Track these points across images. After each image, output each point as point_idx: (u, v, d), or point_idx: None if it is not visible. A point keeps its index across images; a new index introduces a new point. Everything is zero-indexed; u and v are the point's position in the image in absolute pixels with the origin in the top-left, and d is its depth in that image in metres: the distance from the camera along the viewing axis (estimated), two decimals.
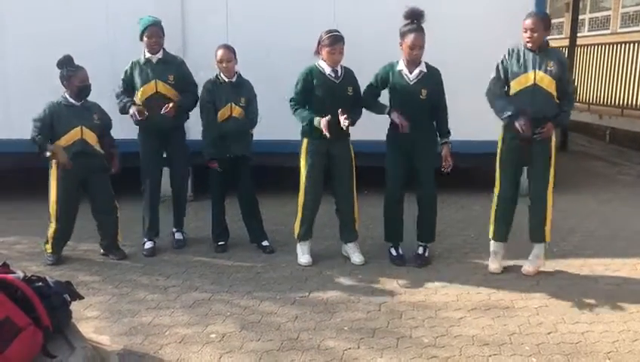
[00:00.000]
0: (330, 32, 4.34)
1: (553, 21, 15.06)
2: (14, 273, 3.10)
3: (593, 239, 5.12)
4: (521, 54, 4.19)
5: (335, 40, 4.31)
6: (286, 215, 4.90)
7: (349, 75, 4.47)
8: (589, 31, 13.41)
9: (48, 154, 4.33)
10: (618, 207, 6.16)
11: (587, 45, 11.11)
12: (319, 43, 4.36)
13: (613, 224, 5.59)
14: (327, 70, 4.38)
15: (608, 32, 12.58)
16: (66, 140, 4.38)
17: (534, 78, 4.12)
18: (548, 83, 4.12)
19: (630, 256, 4.71)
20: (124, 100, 4.71)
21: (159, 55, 4.74)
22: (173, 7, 6.02)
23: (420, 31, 4.26)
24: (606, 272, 4.42)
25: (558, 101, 4.19)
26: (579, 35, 10.83)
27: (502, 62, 4.24)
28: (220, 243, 4.87)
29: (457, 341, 3.41)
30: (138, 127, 4.80)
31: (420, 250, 4.63)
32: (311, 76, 4.38)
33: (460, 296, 4.00)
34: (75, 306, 3.26)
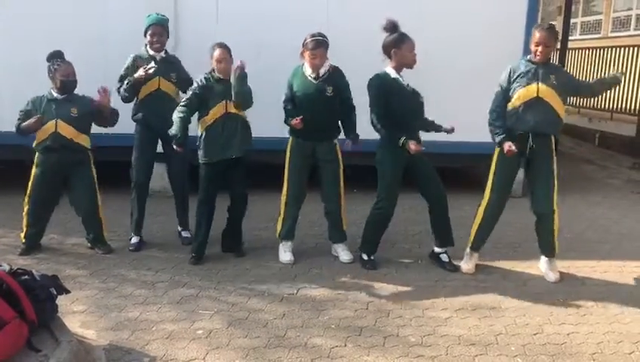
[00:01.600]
0: (313, 35, 4.35)
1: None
2: (0, 266, 3.08)
3: (580, 241, 5.16)
4: (522, 68, 4.17)
5: (317, 44, 4.31)
6: (275, 212, 4.86)
7: (333, 76, 4.44)
8: (580, 34, 13.49)
9: (34, 143, 4.42)
10: (606, 210, 6.20)
11: (578, 49, 11.18)
12: (303, 45, 4.37)
13: (600, 227, 5.63)
14: (308, 71, 4.39)
15: (599, 35, 12.67)
16: (41, 134, 4.39)
17: (537, 91, 4.10)
18: (551, 97, 4.10)
19: (616, 258, 4.75)
20: (126, 82, 4.63)
21: (162, 54, 4.76)
22: (166, 5, 5.98)
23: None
24: (592, 274, 4.46)
25: (561, 117, 4.19)
26: (570, 38, 10.89)
27: (503, 80, 4.23)
28: (198, 253, 4.55)
29: (444, 340, 3.42)
30: (136, 122, 4.78)
31: (445, 257, 4.53)
32: (293, 76, 4.44)
33: (447, 296, 4.02)
34: (61, 300, 3.23)
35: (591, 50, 10.68)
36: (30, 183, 4.51)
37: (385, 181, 4.34)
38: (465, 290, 4.12)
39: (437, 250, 4.57)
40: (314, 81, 4.39)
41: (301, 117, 4.29)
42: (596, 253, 4.89)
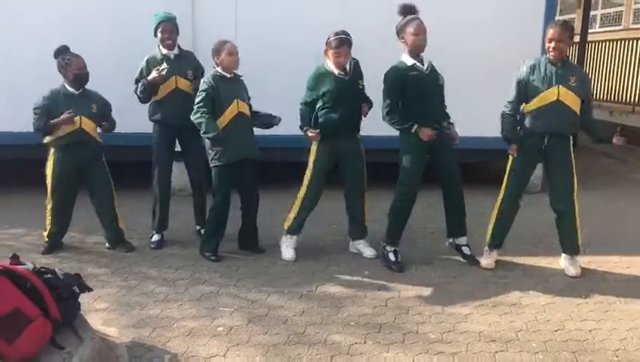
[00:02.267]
0: (337, 33, 4.32)
1: (564, 17, 14.99)
2: (24, 264, 3.13)
3: (601, 236, 5.09)
4: (542, 68, 4.11)
5: (341, 42, 4.30)
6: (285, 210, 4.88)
7: (357, 69, 4.46)
8: (600, 27, 13.30)
9: (47, 139, 4.43)
10: (627, 204, 6.12)
11: (598, 42, 11.02)
12: (327, 44, 4.35)
13: (622, 221, 5.56)
14: (336, 70, 4.38)
15: (620, 28, 12.47)
16: (64, 129, 4.38)
17: (558, 94, 4.05)
18: (571, 100, 4.06)
19: (639, 253, 4.68)
20: (141, 84, 4.65)
21: (175, 51, 4.76)
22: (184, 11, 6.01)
23: (420, 19, 4.21)
24: (614, 270, 4.40)
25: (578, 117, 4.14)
26: (590, 31, 10.74)
27: (522, 79, 4.17)
28: (217, 253, 4.57)
29: (464, 337, 3.40)
30: (154, 122, 4.80)
31: (467, 250, 4.53)
32: (317, 79, 4.39)
33: (467, 293, 3.99)
34: (83, 298, 3.28)
35: (611, 43, 10.52)
36: (50, 181, 4.52)
37: (405, 171, 4.31)
38: (485, 287, 4.09)
39: (457, 241, 4.54)
40: (345, 78, 4.38)
41: (317, 130, 4.36)
42: (618, 248, 4.83)
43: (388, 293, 3.98)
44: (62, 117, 4.32)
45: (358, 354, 3.22)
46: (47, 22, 5.88)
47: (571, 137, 4.25)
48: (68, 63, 4.37)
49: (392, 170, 4.49)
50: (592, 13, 11.26)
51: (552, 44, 4.04)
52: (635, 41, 9.76)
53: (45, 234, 4.64)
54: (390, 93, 4.21)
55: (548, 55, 4.11)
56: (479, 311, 3.72)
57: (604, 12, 13.41)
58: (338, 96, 4.35)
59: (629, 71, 9.79)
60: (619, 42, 10.27)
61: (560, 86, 4.05)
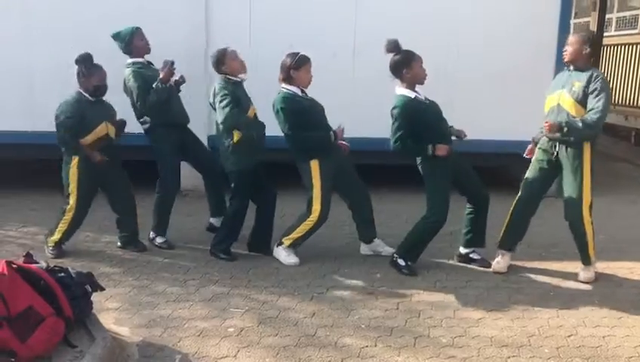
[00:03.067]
0: (295, 53, 4.33)
1: (579, 20, 14.87)
2: (37, 263, 3.16)
3: (615, 242, 5.04)
4: (560, 74, 4.23)
5: (307, 57, 4.32)
6: (293, 211, 4.86)
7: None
8: (615, 30, 13.18)
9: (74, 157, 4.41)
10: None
11: (614, 45, 10.92)
12: (290, 67, 4.30)
13: (636, 227, 5.49)
14: (300, 93, 4.37)
15: (636, 31, 12.35)
16: (92, 136, 4.40)
17: (559, 99, 4.10)
18: (569, 104, 4.05)
19: None
20: (154, 87, 4.62)
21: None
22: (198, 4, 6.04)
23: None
24: (629, 276, 4.36)
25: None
26: (605, 34, 10.66)
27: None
28: (231, 253, 4.61)
29: (475, 341, 3.38)
30: (160, 125, 4.76)
31: (477, 256, 4.53)
32: (298, 103, 4.33)
33: (479, 297, 3.97)
34: (95, 297, 3.31)
35: (627, 47, 10.42)
36: (76, 191, 4.44)
37: (434, 194, 4.26)
38: (497, 291, 4.07)
39: (465, 250, 4.53)
40: (311, 99, 4.44)
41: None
42: (633, 254, 4.77)
43: (399, 297, 3.97)
44: (95, 157, 4.35)
45: (369, 357, 3.20)
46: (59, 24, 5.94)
47: (586, 144, 4.11)
48: (92, 74, 4.37)
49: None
50: (607, 16, 11.18)
51: (565, 48, 4.15)
52: None
53: (54, 239, 4.55)
54: (404, 125, 4.14)
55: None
56: (491, 316, 3.70)
57: (619, 15, 13.27)
58: (323, 118, 4.44)
59: None
60: (635, 46, 10.17)
61: (562, 90, 4.08)
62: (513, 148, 6.12)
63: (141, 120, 4.80)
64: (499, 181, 6.12)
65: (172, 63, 4.63)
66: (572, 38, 4.15)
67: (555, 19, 6.15)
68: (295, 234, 4.50)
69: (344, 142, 4.51)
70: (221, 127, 4.39)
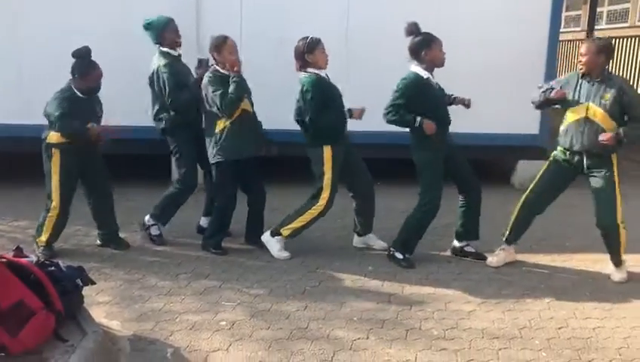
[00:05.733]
0: (305, 37, 4.30)
1: (570, 13, 14.90)
2: (28, 257, 3.13)
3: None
4: (578, 82, 4.09)
5: (318, 39, 4.29)
6: (282, 205, 4.85)
7: None
8: (606, 24, 13.24)
9: (55, 139, 4.28)
10: (638, 205, 6.07)
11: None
12: (303, 52, 4.27)
13: (629, 222, 5.51)
14: (323, 74, 4.36)
15: (627, 24, 12.41)
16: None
17: (586, 111, 4.01)
18: (601, 118, 3.98)
19: None
20: (190, 91, 4.54)
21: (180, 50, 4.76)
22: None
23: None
24: None
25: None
26: (596, 27, 10.70)
27: (557, 81, 4.24)
28: (222, 248, 4.59)
29: (467, 334, 3.40)
30: (176, 126, 4.66)
31: (471, 249, 4.53)
32: (326, 85, 4.32)
33: (471, 289, 3.99)
34: (86, 291, 3.29)
35: (618, 40, 10.47)
36: (58, 187, 4.32)
37: (428, 181, 4.26)
38: (488, 283, 4.09)
39: (459, 244, 4.54)
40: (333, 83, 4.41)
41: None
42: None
43: (391, 289, 3.98)
44: (99, 135, 4.24)
45: (361, 349, 3.21)
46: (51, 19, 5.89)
47: (613, 153, 4.07)
48: (90, 72, 4.26)
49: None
50: (598, 9, 11.23)
51: (579, 59, 4.08)
52: None
53: (44, 239, 4.42)
54: (402, 97, 4.13)
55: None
56: (482, 308, 3.71)
57: (610, 9, 13.34)
58: (340, 102, 4.40)
59: (636, 67, 9.74)
60: (626, 40, 10.23)
61: (590, 103, 4.00)
62: (503, 141, 6.18)
63: (161, 116, 4.67)
64: (489, 174, 6.14)
65: (207, 62, 4.54)
66: (585, 48, 4.05)
67: (546, 13, 6.17)
68: (296, 224, 4.46)
69: (359, 109, 4.47)
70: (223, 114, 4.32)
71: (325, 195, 4.39)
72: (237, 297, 3.82)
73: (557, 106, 4.22)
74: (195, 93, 4.51)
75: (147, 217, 4.82)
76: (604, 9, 13.26)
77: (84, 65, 4.26)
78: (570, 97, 4.09)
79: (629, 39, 10.07)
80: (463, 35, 5.78)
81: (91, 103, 4.41)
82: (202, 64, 4.61)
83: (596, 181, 4.10)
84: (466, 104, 4.37)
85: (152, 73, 4.62)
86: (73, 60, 4.27)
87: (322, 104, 4.26)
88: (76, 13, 5.91)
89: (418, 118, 4.08)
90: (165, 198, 4.81)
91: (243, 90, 4.32)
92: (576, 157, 4.13)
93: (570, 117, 4.10)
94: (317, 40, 4.31)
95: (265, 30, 5.89)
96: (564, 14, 13.45)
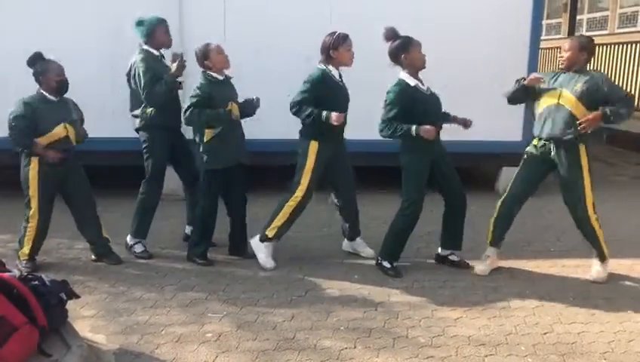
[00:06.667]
0: (334, 32, 4.29)
1: (551, 21, 15.10)
2: (10, 271, 3.10)
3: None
4: (556, 75, 4.21)
5: (346, 35, 4.28)
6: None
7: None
8: (587, 31, 13.43)
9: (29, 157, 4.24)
10: (614, 207, 6.15)
11: None
12: (329, 47, 4.27)
13: (608, 224, 5.54)
14: (336, 74, 4.37)
15: (606, 32, 12.61)
16: (49, 138, 4.21)
17: (559, 98, 4.10)
18: (573, 104, 4.05)
19: (626, 256, 4.72)
20: (166, 81, 4.46)
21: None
22: (172, 7, 6.00)
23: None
24: None
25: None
26: (577, 35, 10.83)
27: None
28: (207, 258, 4.57)
29: (453, 341, 3.41)
30: (154, 127, 4.63)
31: (455, 258, 4.53)
32: (321, 82, 4.29)
33: (456, 297, 4.00)
34: (70, 305, 3.25)
35: (598, 47, 10.61)
36: (36, 197, 4.27)
37: (411, 184, 4.26)
38: (474, 290, 4.10)
39: (444, 252, 4.56)
40: (341, 84, 4.40)
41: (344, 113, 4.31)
42: None
43: (377, 298, 3.98)
44: (50, 154, 4.17)
45: (348, 359, 3.21)
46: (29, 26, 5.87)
47: (581, 144, 4.15)
48: (49, 70, 4.20)
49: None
50: (578, 17, 11.39)
51: (561, 54, 4.18)
52: (620, 45, 9.88)
53: (24, 253, 4.36)
54: (393, 109, 4.13)
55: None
56: (468, 315, 3.73)
57: (590, 16, 13.54)
58: (343, 101, 4.41)
59: (615, 74, 9.89)
60: (605, 47, 10.39)
61: (563, 89, 4.10)
62: (487, 148, 6.21)
63: (136, 113, 4.63)
64: (473, 180, 6.18)
65: (182, 56, 4.49)
66: (568, 44, 4.15)
67: (527, 20, 6.25)
68: (278, 221, 4.45)
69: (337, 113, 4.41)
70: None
71: (303, 186, 4.38)
72: (223, 308, 3.80)
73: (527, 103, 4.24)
74: (170, 87, 4.48)
75: (128, 237, 4.79)
76: (584, 17, 13.46)
77: (41, 65, 4.21)
78: (544, 86, 4.16)
79: (609, 46, 10.23)
80: (446, 42, 5.83)
81: (64, 105, 4.33)
82: (176, 58, 4.53)
83: (563, 173, 4.18)
84: (467, 124, 4.36)
85: (129, 68, 4.62)
86: (32, 71, 4.23)
87: (320, 99, 4.23)
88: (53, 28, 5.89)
89: (413, 128, 4.08)
90: (136, 210, 4.77)
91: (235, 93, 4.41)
92: (546, 147, 4.18)
93: (543, 102, 4.18)
94: (344, 36, 4.29)
95: (247, 35, 5.90)
96: (544, 22, 13.64)
